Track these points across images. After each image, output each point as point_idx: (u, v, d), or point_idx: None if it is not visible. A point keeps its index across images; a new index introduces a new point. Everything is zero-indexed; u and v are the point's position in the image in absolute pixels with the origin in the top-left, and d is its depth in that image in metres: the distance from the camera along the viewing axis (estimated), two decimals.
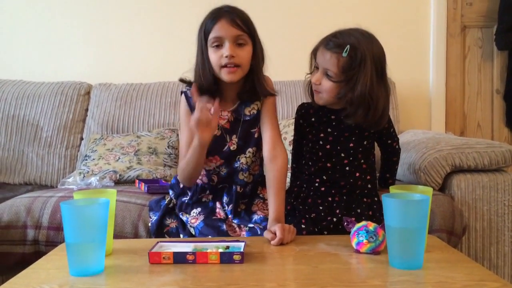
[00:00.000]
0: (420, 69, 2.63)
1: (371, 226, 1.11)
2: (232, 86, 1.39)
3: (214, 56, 1.33)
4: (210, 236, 1.33)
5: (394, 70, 2.46)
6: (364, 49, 1.33)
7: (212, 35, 1.32)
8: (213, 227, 1.36)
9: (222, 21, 1.31)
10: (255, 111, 1.43)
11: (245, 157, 1.45)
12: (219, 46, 1.32)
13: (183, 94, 1.43)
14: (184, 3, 2.61)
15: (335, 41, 1.36)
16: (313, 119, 1.50)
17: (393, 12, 2.61)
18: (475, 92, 2.67)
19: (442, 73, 2.62)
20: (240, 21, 1.32)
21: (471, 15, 2.65)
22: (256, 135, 1.44)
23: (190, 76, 1.41)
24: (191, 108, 1.39)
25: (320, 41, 1.42)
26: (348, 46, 1.32)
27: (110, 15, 2.63)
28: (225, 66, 1.31)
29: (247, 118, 1.42)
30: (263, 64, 1.40)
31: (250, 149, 1.44)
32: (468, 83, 2.67)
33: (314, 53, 1.43)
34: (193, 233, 1.39)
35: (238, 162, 1.44)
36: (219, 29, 1.31)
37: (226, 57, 1.30)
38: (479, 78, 2.67)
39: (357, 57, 1.33)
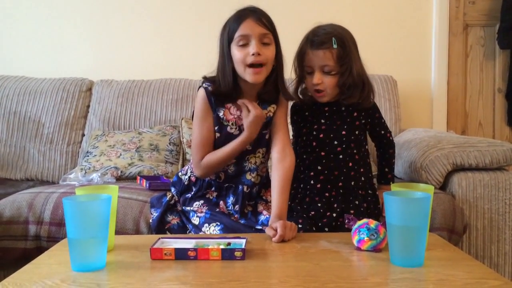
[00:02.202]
0: (422, 68, 2.63)
1: (372, 223, 1.11)
2: (253, 87, 1.39)
3: (239, 55, 1.32)
4: (218, 223, 1.35)
5: (396, 68, 2.51)
6: (344, 34, 1.44)
7: (238, 34, 1.32)
8: (221, 216, 1.39)
9: (248, 20, 1.32)
10: (271, 114, 1.45)
11: (255, 157, 1.46)
12: (245, 45, 1.32)
13: (202, 90, 1.42)
14: (186, 0, 2.61)
15: (319, 39, 1.42)
16: (306, 113, 1.54)
17: (396, 11, 2.60)
18: (477, 90, 2.67)
19: (444, 72, 2.62)
20: (266, 20, 1.33)
21: (473, 14, 2.64)
22: (267, 137, 1.46)
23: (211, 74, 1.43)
24: (212, 105, 1.41)
25: (300, 46, 1.47)
26: (334, 37, 1.40)
27: (112, 11, 2.63)
28: (250, 66, 1.32)
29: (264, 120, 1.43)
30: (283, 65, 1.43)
31: (260, 150, 1.47)
32: (470, 82, 2.66)
33: (299, 58, 1.47)
34: (198, 222, 1.40)
35: (247, 162, 1.46)
36: (245, 28, 1.31)
37: (253, 54, 1.30)
38: (481, 77, 2.66)
39: (344, 44, 1.42)
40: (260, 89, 1.41)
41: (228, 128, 1.42)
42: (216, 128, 1.42)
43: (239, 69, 1.34)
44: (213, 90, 1.39)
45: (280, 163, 1.38)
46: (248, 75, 1.33)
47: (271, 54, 1.35)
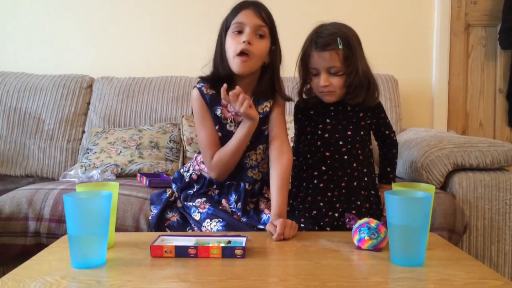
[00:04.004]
0: (423, 67, 2.63)
1: (373, 223, 1.11)
2: (247, 82, 1.39)
3: (232, 42, 1.34)
4: (220, 220, 1.34)
5: (397, 68, 2.51)
6: (348, 33, 1.41)
7: (234, 21, 1.34)
8: (224, 213, 1.38)
9: (247, 10, 1.34)
10: (267, 109, 1.44)
11: (256, 153, 1.45)
12: (239, 32, 1.33)
13: (195, 90, 1.42)
14: None
15: (323, 40, 1.40)
16: (311, 112, 1.52)
17: (397, 10, 2.60)
18: (478, 91, 2.67)
19: (445, 72, 2.62)
20: (265, 14, 1.35)
21: (475, 14, 2.64)
22: (266, 133, 1.45)
23: (207, 71, 1.43)
24: (207, 103, 1.41)
25: (304, 48, 1.45)
26: (338, 38, 1.38)
27: (113, 8, 2.62)
28: (240, 54, 1.32)
29: (260, 116, 1.42)
30: (281, 64, 1.43)
31: (260, 146, 1.46)
32: (471, 82, 2.66)
33: (304, 61, 1.45)
34: (199, 218, 1.39)
35: (248, 159, 1.45)
36: (242, 16, 1.33)
37: (244, 42, 1.31)
38: (482, 77, 2.66)
39: (349, 43, 1.40)
40: (255, 87, 1.41)
41: (228, 126, 1.42)
42: (216, 127, 1.42)
43: (229, 56, 1.35)
44: (209, 76, 1.40)
45: (277, 161, 1.38)
46: (235, 64, 1.34)
47: (263, 48, 1.35)
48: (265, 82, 1.40)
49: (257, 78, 1.41)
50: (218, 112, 1.41)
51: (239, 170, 1.45)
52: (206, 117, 1.41)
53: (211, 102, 1.41)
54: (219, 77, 1.38)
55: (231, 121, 1.42)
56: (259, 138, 1.45)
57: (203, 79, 1.42)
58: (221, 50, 1.38)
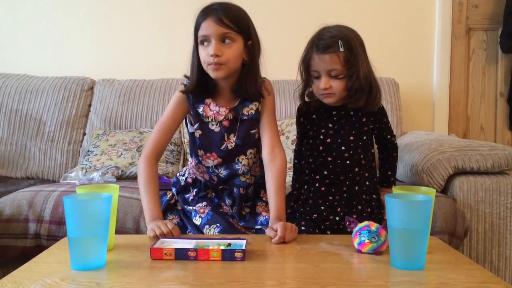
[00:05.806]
0: (424, 71, 2.63)
1: (373, 226, 1.11)
2: (226, 83, 1.39)
3: (203, 53, 1.34)
4: (218, 225, 1.34)
5: (398, 71, 2.51)
6: (350, 36, 1.40)
7: (200, 33, 1.34)
8: (222, 217, 1.38)
9: (208, 20, 1.32)
10: (253, 111, 1.42)
11: (246, 158, 1.44)
12: (207, 43, 1.33)
13: (182, 87, 1.42)
14: (188, 0, 2.61)
15: (325, 43, 1.39)
16: (314, 116, 1.52)
17: (398, 14, 2.60)
18: (479, 94, 2.67)
19: (446, 75, 2.62)
20: (227, 19, 1.31)
21: (476, 18, 2.64)
22: (256, 136, 1.44)
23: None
24: (190, 102, 1.40)
25: (306, 50, 1.44)
26: (340, 40, 1.37)
27: (114, 11, 2.63)
28: (211, 64, 1.32)
29: (245, 117, 1.41)
30: (259, 61, 1.40)
31: (251, 150, 1.44)
32: (472, 85, 2.66)
33: (305, 63, 1.44)
34: (199, 223, 1.39)
35: (240, 164, 1.43)
36: (205, 28, 1.32)
37: (211, 56, 1.31)
38: (483, 80, 2.66)
39: (351, 46, 1.38)
40: (233, 85, 1.39)
41: (210, 125, 1.41)
42: (196, 126, 1.41)
43: (204, 66, 1.35)
44: (187, 86, 1.40)
45: (271, 164, 1.36)
46: (210, 71, 1.34)
47: (233, 52, 1.32)
48: (244, 80, 1.38)
49: (234, 78, 1.39)
50: (200, 110, 1.40)
51: (230, 176, 1.44)
52: (176, 110, 1.41)
53: (194, 99, 1.41)
54: (195, 87, 1.39)
55: (212, 120, 1.41)
56: (248, 142, 1.43)
57: (187, 78, 1.42)
58: (192, 60, 1.38)
